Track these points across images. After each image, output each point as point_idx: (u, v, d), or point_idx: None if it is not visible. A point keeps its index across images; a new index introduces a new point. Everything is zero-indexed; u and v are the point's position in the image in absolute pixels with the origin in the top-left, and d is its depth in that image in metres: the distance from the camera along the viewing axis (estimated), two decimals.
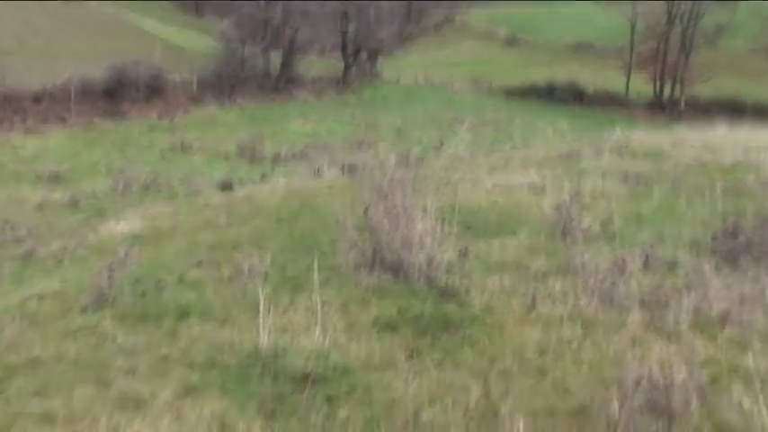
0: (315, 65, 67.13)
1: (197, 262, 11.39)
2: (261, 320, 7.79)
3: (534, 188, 16.21)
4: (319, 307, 8.30)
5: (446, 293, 8.96)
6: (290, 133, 46.06)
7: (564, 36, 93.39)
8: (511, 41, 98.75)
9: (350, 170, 26.14)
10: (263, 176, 28.41)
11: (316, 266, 8.82)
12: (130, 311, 8.95)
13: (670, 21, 70.89)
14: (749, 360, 6.98)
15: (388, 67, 71.67)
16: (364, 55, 69.15)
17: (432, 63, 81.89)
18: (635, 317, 8.12)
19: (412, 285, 9.27)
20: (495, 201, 14.95)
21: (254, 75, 56.27)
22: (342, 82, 64.19)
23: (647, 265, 9.74)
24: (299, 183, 22.21)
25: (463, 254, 10.44)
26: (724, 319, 7.99)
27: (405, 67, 72.98)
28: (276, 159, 36.42)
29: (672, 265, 9.96)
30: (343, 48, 67.02)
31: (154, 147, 39.09)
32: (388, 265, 9.63)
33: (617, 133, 28.35)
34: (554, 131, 48.94)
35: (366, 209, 9.76)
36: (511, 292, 9.03)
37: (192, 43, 63.98)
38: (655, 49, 70.85)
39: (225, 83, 52.99)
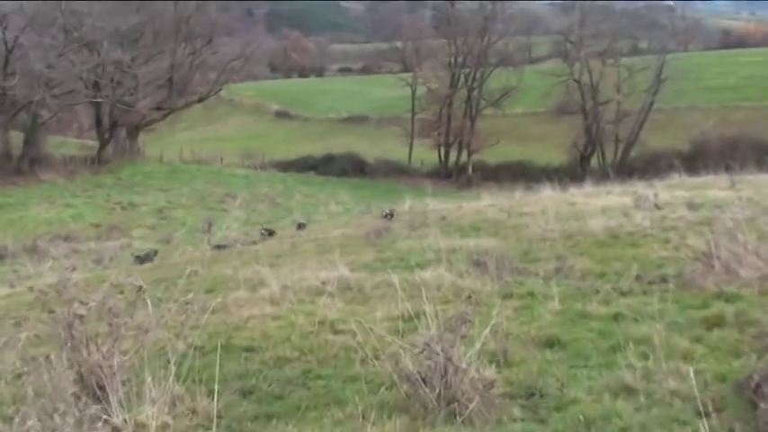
0: (68, 144, 60.65)
1: None
2: None
3: (348, 292, 10.21)
4: None
5: None
6: (27, 221, 38.99)
7: (336, 109, 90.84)
8: (282, 115, 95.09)
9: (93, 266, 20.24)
10: None
11: None
12: None
13: (453, 84, 68.31)
14: None
15: (152, 145, 65.60)
16: (123, 131, 61.85)
17: (199, 139, 76.41)
18: None
19: None
20: (291, 322, 8.78)
21: None
22: (97, 161, 56.89)
23: None
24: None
25: None
26: None
27: (170, 144, 67.02)
28: (2, 255, 29.18)
29: None
30: (98, 123, 59.80)
31: None
32: None
33: (407, 203, 24.84)
34: (337, 204, 44.73)
35: None
36: None
37: None
38: (438, 114, 67.90)
39: None
